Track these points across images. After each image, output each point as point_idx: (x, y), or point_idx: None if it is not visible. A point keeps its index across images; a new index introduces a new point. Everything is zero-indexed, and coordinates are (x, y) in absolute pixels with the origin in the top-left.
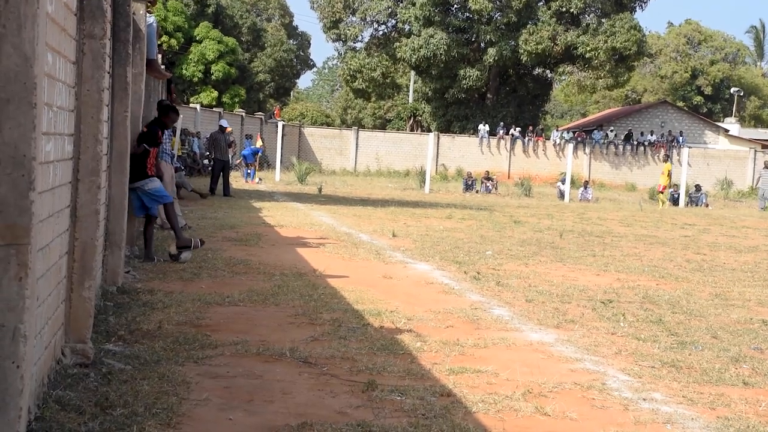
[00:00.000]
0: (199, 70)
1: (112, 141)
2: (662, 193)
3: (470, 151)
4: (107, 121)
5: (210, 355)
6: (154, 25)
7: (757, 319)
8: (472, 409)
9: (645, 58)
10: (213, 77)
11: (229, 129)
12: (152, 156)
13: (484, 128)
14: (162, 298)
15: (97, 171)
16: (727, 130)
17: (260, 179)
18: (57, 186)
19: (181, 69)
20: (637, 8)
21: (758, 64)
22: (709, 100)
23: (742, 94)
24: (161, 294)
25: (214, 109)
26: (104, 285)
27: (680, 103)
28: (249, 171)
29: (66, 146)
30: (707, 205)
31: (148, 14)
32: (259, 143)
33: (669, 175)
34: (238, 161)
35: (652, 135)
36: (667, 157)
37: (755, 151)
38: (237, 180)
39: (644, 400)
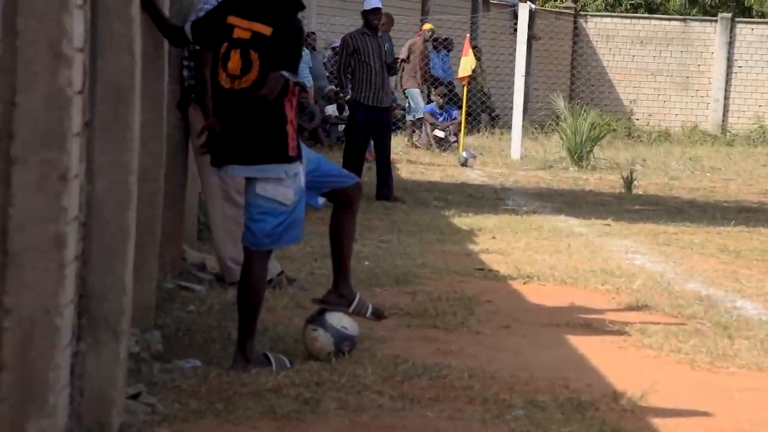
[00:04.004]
0: None
1: (95, 59)
2: None
3: None
4: (83, 6)
5: None
6: None
7: None
8: None
9: None
10: None
11: (384, 22)
12: (292, 101)
13: None
14: None
15: (60, 136)
16: None
17: (471, 155)
18: None
19: None
20: None
21: None
22: None
23: None
24: None
25: None
26: (77, 430)
27: None
28: (441, 134)
29: None
30: None
31: None
32: (468, 62)
33: None
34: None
35: None
36: None
37: None
38: (414, 155)
39: None
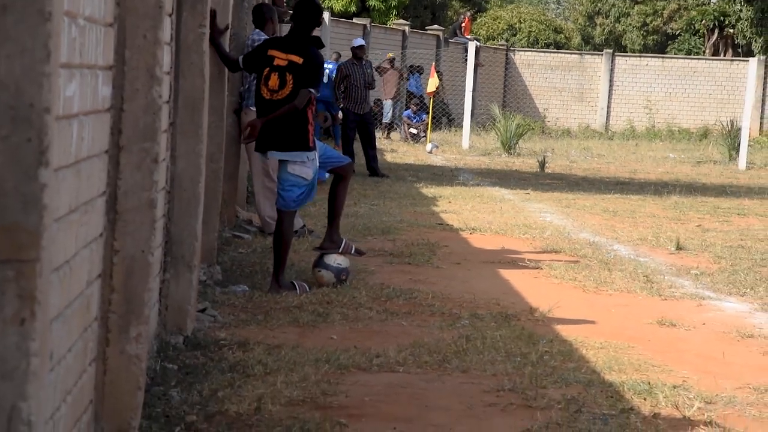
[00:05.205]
0: None
1: (177, 79)
2: None
3: None
4: (170, 43)
5: None
6: None
7: None
8: None
9: None
10: None
11: (365, 53)
12: (312, 109)
13: None
14: (262, 356)
15: (153, 132)
16: None
17: (434, 145)
18: (84, 158)
19: None
20: None
21: None
22: None
23: None
24: (261, 350)
25: (353, 20)
26: (163, 333)
27: None
28: (414, 131)
29: (99, 87)
30: None
31: None
32: (433, 82)
33: None
34: (412, 111)
35: None
36: None
37: None
38: (397, 147)
39: None
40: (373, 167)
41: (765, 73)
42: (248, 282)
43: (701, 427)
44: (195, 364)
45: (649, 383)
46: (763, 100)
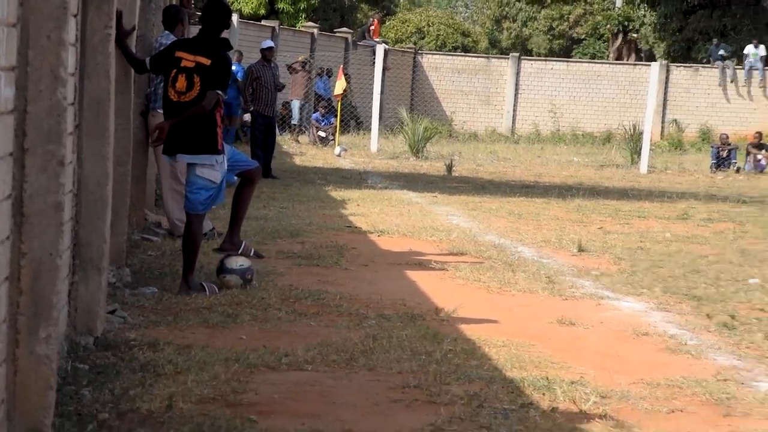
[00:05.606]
0: None
1: (83, 80)
2: None
3: (727, 96)
4: (75, 44)
5: None
6: None
7: None
8: None
9: None
10: None
11: (273, 55)
12: (221, 111)
13: (755, 53)
14: (172, 356)
15: (58, 134)
16: None
17: (343, 148)
18: None
19: None
20: None
21: None
22: None
23: None
24: (171, 350)
25: (262, 22)
26: (73, 334)
27: None
28: (323, 134)
29: (2, 88)
30: None
31: None
32: (341, 85)
33: None
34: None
35: None
36: None
37: None
38: (305, 150)
39: None
40: (268, 169)
41: (666, 77)
42: (158, 284)
43: (596, 420)
44: (106, 364)
45: (548, 379)
46: (664, 105)
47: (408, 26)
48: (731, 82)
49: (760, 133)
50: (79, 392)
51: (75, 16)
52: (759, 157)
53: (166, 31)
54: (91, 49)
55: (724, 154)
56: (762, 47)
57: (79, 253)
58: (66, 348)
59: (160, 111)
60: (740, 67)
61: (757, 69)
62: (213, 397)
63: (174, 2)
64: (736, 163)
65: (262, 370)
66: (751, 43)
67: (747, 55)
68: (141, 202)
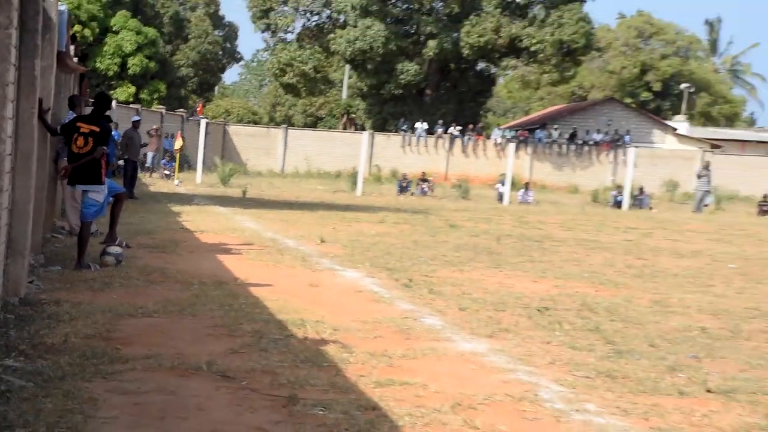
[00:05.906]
0: (115, 63)
1: (17, 141)
2: None
3: (406, 151)
4: (12, 118)
5: (120, 370)
6: (66, 13)
7: (696, 326)
8: (399, 423)
9: (593, 52)
10: (130, 71)
11: (138, 125)
12: (105, 159)
13: (421, 126)
14: (69, 309)
15: (0, 174)
16: (675, 129)
17: (180, 181)
18: None
19: (96, 62)
20: None
21: (711, 58)
22: (658, 96)
23: (692, 90)
24: (68, 305)
25: (131, 105)
26: (5, 296)
27: (628, 100)
28: (167, 172)
29: None
30: (651, 208)
31: (59, 1)
32: (179, 143)
33: None
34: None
35: (598, 134)
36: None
37: (703, 151)
38: (156, 183)
39: (577, 411)
40: (131, 192)
41: (372, 140)
42: (61, 264)
43: (331, 344)
44: (25, 315)
45: (302, 320)
46: (371, 156)
47: (220, 108)
48: (408, 144)
49: (424, 173)
50: (6, 333)
51: (12, 101)
52: (423, 186)
53: (71, 111)
54: (22, 122)
55: (404, 184)
56: (425, 123)
57: (11, 244)
58: (0, 305)
59: (65, 159)
60: (413, 134)
61: (422, 136)
62: (94, 334)
63: (75, 93)
64: (410, 189)
65: (126, 317)
66: (419, 121)
67: (417, 128)
68: (52, 214)
